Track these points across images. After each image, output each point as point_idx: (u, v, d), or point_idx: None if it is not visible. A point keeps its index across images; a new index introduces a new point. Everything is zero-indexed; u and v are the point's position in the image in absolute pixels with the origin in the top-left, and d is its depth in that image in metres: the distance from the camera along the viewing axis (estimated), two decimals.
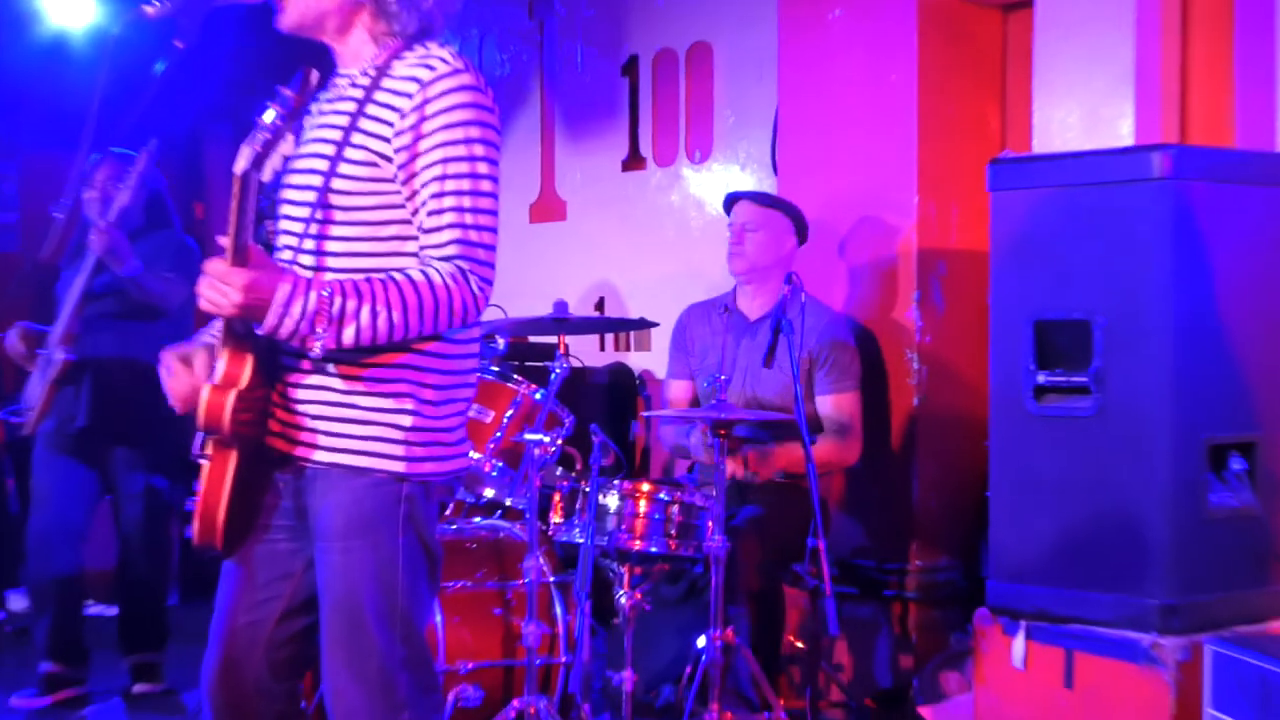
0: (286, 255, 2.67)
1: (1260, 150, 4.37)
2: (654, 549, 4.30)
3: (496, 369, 4.48)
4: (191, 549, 6.91)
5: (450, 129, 2.58)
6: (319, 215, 2.64)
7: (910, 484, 5.00)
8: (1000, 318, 4.05)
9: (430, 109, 2.58)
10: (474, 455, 4.37)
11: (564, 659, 4.31)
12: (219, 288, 2.44)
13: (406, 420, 2.63)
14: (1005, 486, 4.03)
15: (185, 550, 7.76)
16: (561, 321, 4.80)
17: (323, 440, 2.63)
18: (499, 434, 4.38)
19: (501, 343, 4.58)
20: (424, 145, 2.58)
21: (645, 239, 6.57)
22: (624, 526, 4.31)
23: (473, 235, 2.59)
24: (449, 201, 2.57)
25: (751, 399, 4.70)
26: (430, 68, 2.61)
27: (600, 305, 6.31)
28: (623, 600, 4.34)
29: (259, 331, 2.50)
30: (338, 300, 2.46)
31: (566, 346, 4.69)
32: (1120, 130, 4.63)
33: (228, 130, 9.12)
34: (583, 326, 4.96)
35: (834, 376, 4.76)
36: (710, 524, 4.17)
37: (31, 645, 5.46)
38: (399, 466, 2.62)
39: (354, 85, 2.70)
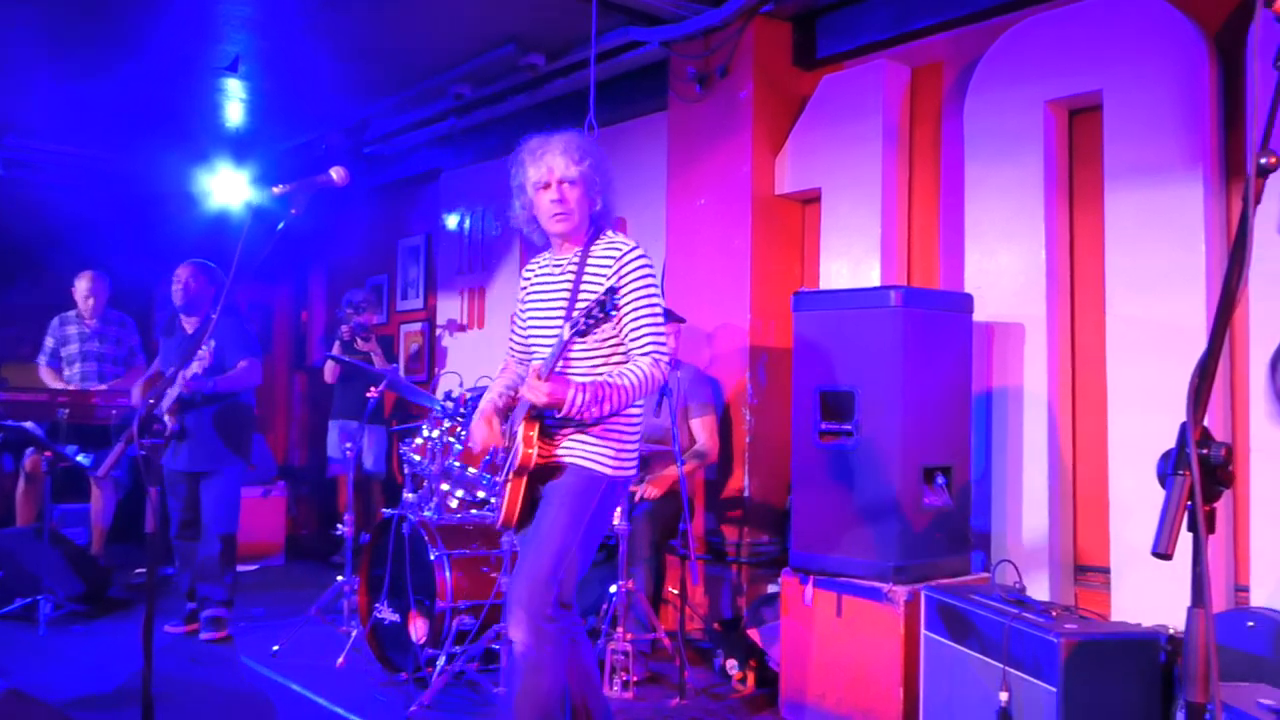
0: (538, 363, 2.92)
1: (953, 290, 4.46)
2: None
3: None
4: (297, 528, 6.67)
5: (637, 282, 2.90)
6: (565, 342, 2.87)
7: (744, 490, 5.01)
8: (799, 388, 4.05)
9: (624, 270, 2.90)
10: (471, 471, 4.37)
11: None
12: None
13: (614, 449, 2.92)
14: (801, 492, 4.02)
15: (290, 529, 7.70)
16: None
17: (570, 450, 2.90)
18: (489, 458, 4.35)
19: None
20: (624, 294, 2.87)
21: None
22: None
23: (657, 341, 2.91)
24: (642, 324, 2.89)
25: (647, 433, 4.71)
26: (619, 248, 2.95)
27: None
28: None
29: (555, 415, 2.83)
30: (597, 393, 2.79)
31: None
32: (871, 276, 4.74)
33: (326, 265, 9.10)
34: None
35: (700, 407, 4.78)
36: (618, 514, 4.20)
37: (178, 591, 5.32)
38: (607, 471, 2.90)
39: (570, 264, 2.99)
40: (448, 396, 4.66)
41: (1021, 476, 4.20)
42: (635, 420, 2.98)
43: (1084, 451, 4.20)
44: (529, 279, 3.14)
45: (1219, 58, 3.81)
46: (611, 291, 2.72)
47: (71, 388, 6.24)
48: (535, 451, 2.86)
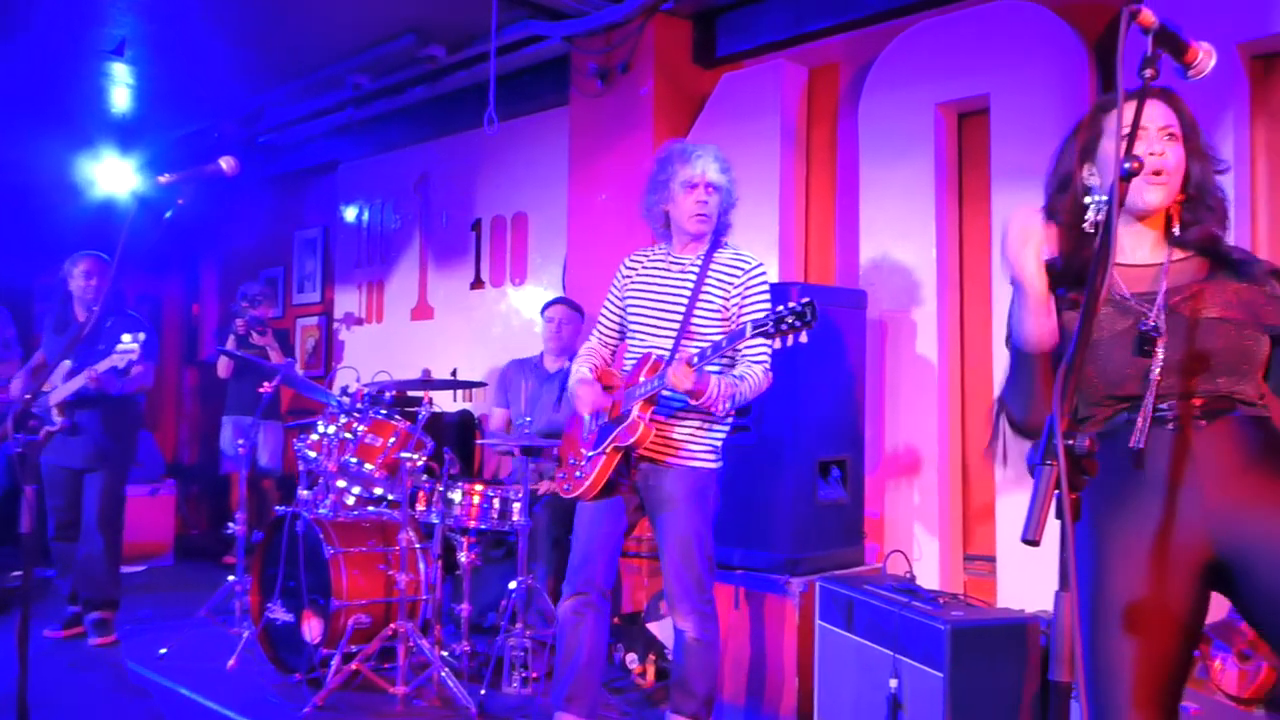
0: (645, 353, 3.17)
1: (848, 287, 4.56)
2: (483, 526, 4.28)
3: (385, 411, 4.41)
4: (186, 527, 6.47)
5: (759, 297, 3.15)
6: (682, 337, 3.11)
7: None
8: None
9: (750, 283, 3.15)
10: (367, 467, 4.31)
11: (424, 596, 4.25)
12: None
13: (717, 441, 3.18)
14: None
15: (180, 528, 7.47)
16: (427, 382, 4.79)
17: (683, 452, 3.14)
18: (384, 453, 4.31)
19: (388, 395, 4.53)
20: (747, 302, 3.13)
21: (482, 332, 6.56)
22: (464, 511, 4.30)
23: (769, 352, 3.09)
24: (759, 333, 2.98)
25: (546, 428, 4.72)
26: (747, 260, 3.20)
27: (454, 373, 6.29)
28: (462, 558, 4.32)
29: (696, 403, 3.01)
30: (727, 390, 3.03)
31: (430, 399, 4.67)
32: (770, 275, 4.81)
33: (219, 256, 8.85)
34: (441, 385, 4.93)
35: None
36: (518, 509, 4.19)
37: (58, 595, 5.12)
38: (712, 466, 3.18)
39: (693, 265, 3.20)
40: (344, 391, 4.58)
41: (913, 468, 4.31)
42: (729, 418, 3.23)
43: (972, 443, 4.33)
44: (635, 269, 3.33)
45: (1098, 65, 3.96)
46: (810, 305, 2.77)
47: None
48: (651, 436, 3.07)
